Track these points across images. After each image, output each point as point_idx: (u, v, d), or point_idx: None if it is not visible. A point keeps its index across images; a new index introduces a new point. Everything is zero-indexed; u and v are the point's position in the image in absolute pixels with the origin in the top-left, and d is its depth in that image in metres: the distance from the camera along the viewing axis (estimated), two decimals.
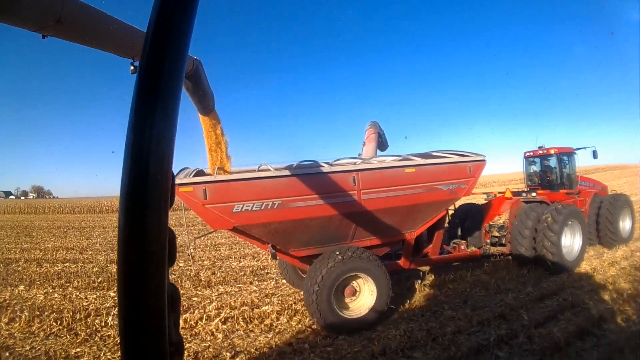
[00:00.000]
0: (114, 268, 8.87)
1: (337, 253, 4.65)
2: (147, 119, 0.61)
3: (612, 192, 9.20)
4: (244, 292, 6.41)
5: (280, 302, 5.75)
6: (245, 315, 5.25)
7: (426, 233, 6.10)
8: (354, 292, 4.90)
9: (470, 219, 7.38)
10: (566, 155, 8.40)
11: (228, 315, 5.26)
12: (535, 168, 8.92)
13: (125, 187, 0.60)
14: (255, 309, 5.48)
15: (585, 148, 8.67)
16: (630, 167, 43.83)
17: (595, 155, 8.61)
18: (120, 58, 2.83)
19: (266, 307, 5.50)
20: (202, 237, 11.89)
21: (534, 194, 7.52)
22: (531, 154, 8.79)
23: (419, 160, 5.25)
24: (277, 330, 4.85)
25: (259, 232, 4.61)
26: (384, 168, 5.03)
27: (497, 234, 7.11)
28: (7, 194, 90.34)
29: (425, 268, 6.76)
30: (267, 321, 5.08)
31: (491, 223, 7.27)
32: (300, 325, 4.94)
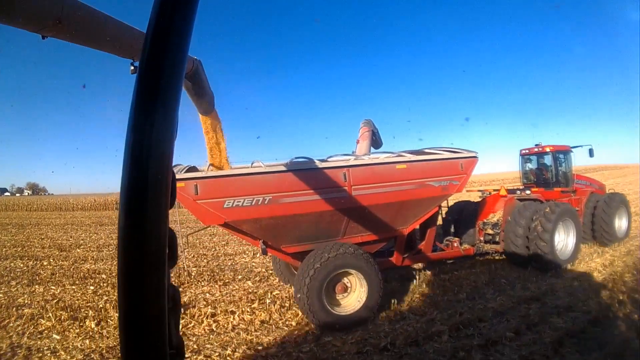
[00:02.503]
0: None
1: (328, 249, 4.65)
2: (147, 119, 0.61)
3: (610, 191, 9.17)
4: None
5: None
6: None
7: (419, 230, 6.12)
8: (345, 289, 4.91)
9: (465, 216, 7.37)
10: (562, 153, 8.38)
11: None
12: (531, 166, 8.91)
13: (125, 186, 0.59)
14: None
15: (581, 146, 8.67)
16: (630, 167, 43.34)
17: (591, 153, 8.61)
18: (120, 58, 2.85)
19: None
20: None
21: (528, 192, 7.52)
22: (527, 151, 8.78)
23: (410, 157, 5.26)
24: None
25: (250, 227, 4.62)
26: (374, 164, 5.03)
27: (491, 231, 7.10)
28: (2, 190, 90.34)
29: (419, 265, 6.77)
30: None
31: (485, 221, 7.26)
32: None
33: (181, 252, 9.27)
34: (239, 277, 7.26)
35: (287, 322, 4.94)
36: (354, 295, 4.89)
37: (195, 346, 4.34)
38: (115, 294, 6.37)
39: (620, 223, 8.35)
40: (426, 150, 5.82)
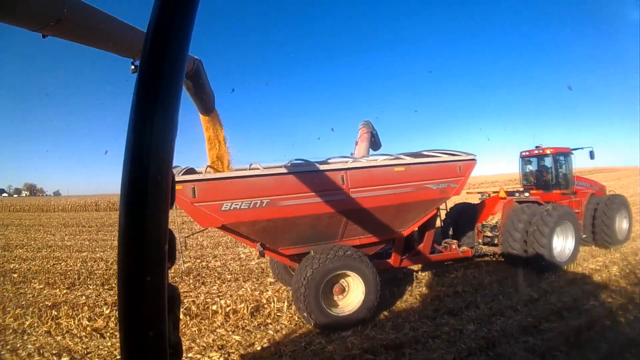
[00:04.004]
0: None
1: (326, 251, 4.67)
2: (147, 119, 0.61)
3: (610, 193, 9.13)
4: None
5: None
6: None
7: (417, 232, 6.12)
8: (343, 290, 4.93)
9: (464, 218, 7.38)
10: (562, 155, 8.36)
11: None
12: (532, 168, 8.89)
13: (125, 187, 0.60)
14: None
15: (582, 148, 8.63)
16: (626, 169, 42.54)
17: (592, 155, 8.56)
18: (121, 57, 2.87)
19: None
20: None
21: (527, 194, 7.50)
22: (527, 153, 8.76)
23: (408, 159, 5.26)
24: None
25: (248, 230, 4.64)
26: (372, 167, 5.04)
27: (489, 234, 7.10)
28: (0, 191, 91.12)
29: (416, 267, 6.78)
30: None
31: (484, 223, 7.25)
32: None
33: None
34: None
35: (114, 333, 4.80)
36: (351, 297, 4.90)
37: (19, 343, 4.39)
38: (12, 290, 6.70)
39: (621, 225, 8.30)
40: (424, 153, 5.82)
